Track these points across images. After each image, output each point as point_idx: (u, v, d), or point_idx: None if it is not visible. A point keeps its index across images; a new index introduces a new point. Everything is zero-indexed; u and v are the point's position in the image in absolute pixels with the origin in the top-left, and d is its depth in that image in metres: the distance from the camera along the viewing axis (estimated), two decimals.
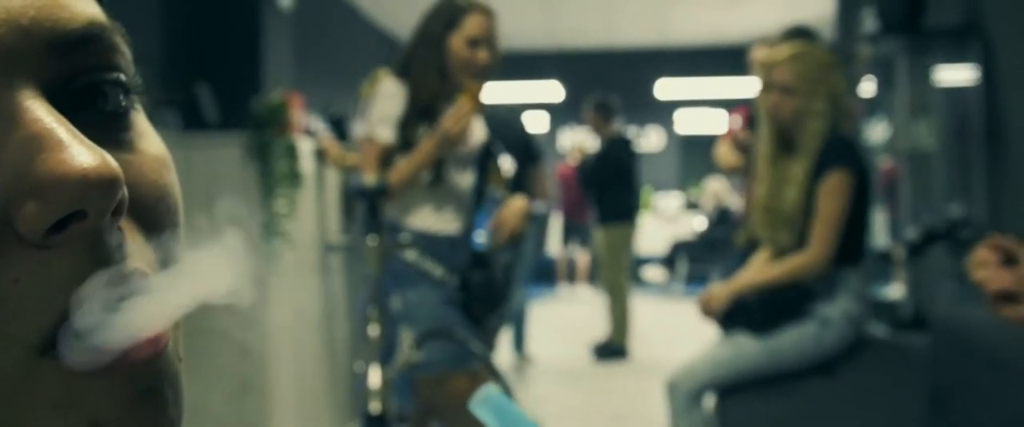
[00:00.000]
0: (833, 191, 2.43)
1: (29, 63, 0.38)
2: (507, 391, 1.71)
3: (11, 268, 0.36)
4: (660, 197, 11.06)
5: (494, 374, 2.05)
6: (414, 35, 2.57)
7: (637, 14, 9.74)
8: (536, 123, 11.15)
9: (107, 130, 0.40)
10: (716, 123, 10.67)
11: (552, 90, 11.19)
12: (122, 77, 0.42)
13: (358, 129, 2.58)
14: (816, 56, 2.56)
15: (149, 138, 0.43)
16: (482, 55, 2.48)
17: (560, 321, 7.86)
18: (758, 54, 3.54)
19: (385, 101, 2.46)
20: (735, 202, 8.24)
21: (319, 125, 3.80)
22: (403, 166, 2.38)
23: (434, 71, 2.48)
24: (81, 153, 0.36)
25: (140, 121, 0.43)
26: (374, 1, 8.20)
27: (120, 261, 0.37)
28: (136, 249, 0.39)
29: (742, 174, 4.11)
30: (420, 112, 2.45)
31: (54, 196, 0.35)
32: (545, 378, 5.47)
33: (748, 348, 2.52)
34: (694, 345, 3.18)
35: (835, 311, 2.48)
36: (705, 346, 2.66)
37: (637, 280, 9.34)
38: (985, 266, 1.44)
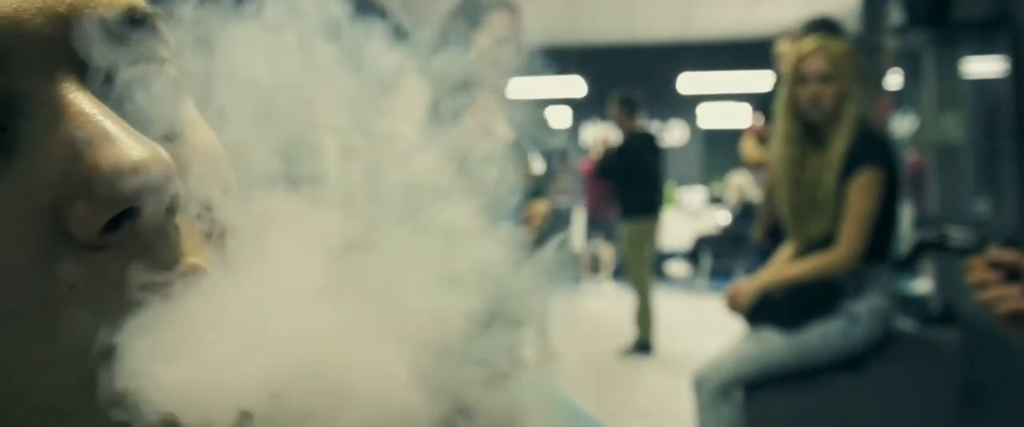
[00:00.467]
0: (865, 189, 2.41)
1: (70, 53, 0.36)
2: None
3: (65, 273, 0.34)
4: (683, 192, 11.01)
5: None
6: None
7: (659, 8, 9.70)
8: (559, 118, 11.13)
9: (151, 120, 0.38)
10: (740, 117, 10.61)
11: (575, 85, 11.16)
12: (168, 67, 0.39)
13: None
14: (844, 44, 2.55)
15: (198, 127, 0.41)
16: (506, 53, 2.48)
17: (584, 316, 7.85)
18: (783, 47, 3.52)
19: None
20: (759, 196, 8.20)
21: None
22: None
23: None
24: (131, 147, 0.33)
25: (188, 110, 0.41)
26: None
27: (177, 260, 0.35)
28: (192, 245, 0.37)
29: (766, 168, 4.09)
30: None
31: (106, 194, 0.33)
32: (569, 373, 5.46)
33: (775, 344, 2.50)
34: (720, 340, 3.17)
35: (863, 307, 2.46)
36: (731, 341, 2.65)
37: (660, 275, 9.31)
38: (988, 285, 1.37)
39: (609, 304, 8.56)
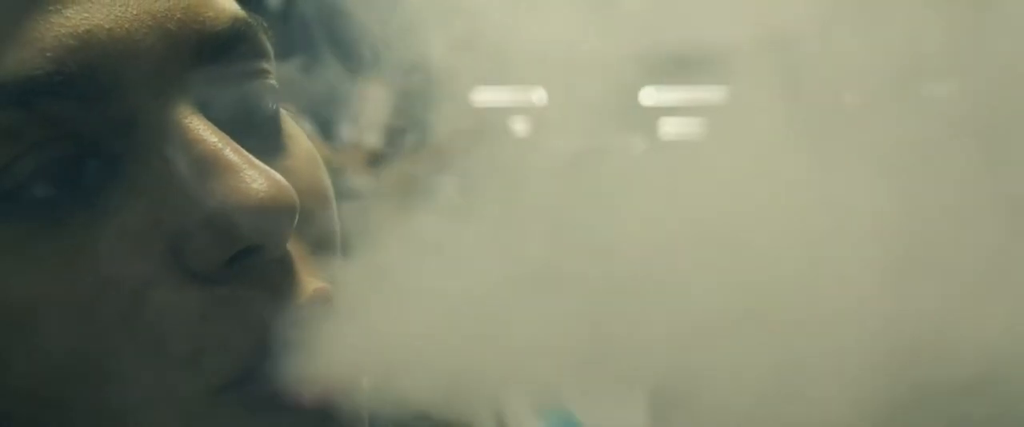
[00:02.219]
0: None
1: (182, 72, 0.34)
2: None
3: (191, 303, 0.32)
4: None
5: None
6: None
7: (623, 19, 9.79)
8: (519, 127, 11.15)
9: (262, 137, 0.36)
10: (702, 129, 10.70)
11: (534, 95, 11.19)
12: (272, 79, 0.38)
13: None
14: None
15: (298, 139, 0.39)
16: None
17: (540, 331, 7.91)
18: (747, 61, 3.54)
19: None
20: None
21: None
22: None
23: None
24: (255, 179, 0.32)
25: (287, 122, 0.39)
26: None
27: (297, 285, 0.34)
28: (304, 265, 0.35)
29: None
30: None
31: (230, 229, 0.31)
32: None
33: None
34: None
35: None
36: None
37: None
38: None
39: None
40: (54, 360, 0.32)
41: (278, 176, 0.33)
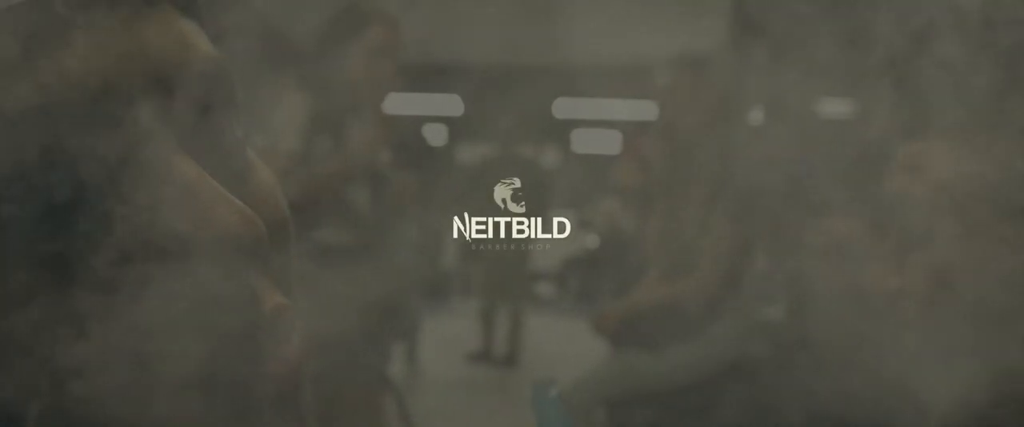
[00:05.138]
0: (727, 219, 2.50)
1: (165, 108, 0.35)
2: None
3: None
4: (553, 215, 11.11)
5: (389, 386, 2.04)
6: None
7: (538, 31, 9.81)
8: (435, 136, 11.10)
9: (227, 166, 0.38)
10: (612, 143, 10.82)
11: (452, 104, 11.16)
12: (238, 109, 0.40)
13: None
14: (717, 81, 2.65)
15: (258, 167, 0.41)
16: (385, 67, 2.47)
17: (447, 332, 7.85)
18: (661, 77, 3.61)
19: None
20: (630, 222, 8.36)
21: None
22: None
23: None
24: (231, 213, 0.34)
25: (248, 151, 0.41)
26: None
27: (261, 303, 0.36)
28: (263, 283, 0.37)
29: (641, 195, 4.18)
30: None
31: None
32: (434, 389, 5.44)
33: (641, 365, 2.56)
34: (587, 361, 3.22)
35: (724, 329, 2.54)
36: (598, 362, 2.70)
37: (529, 296, 9.38)
38: None
39: (470, 321, 8.58)
40: None
41: (249, 213, 0.35)
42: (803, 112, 4.11)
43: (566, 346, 7.25)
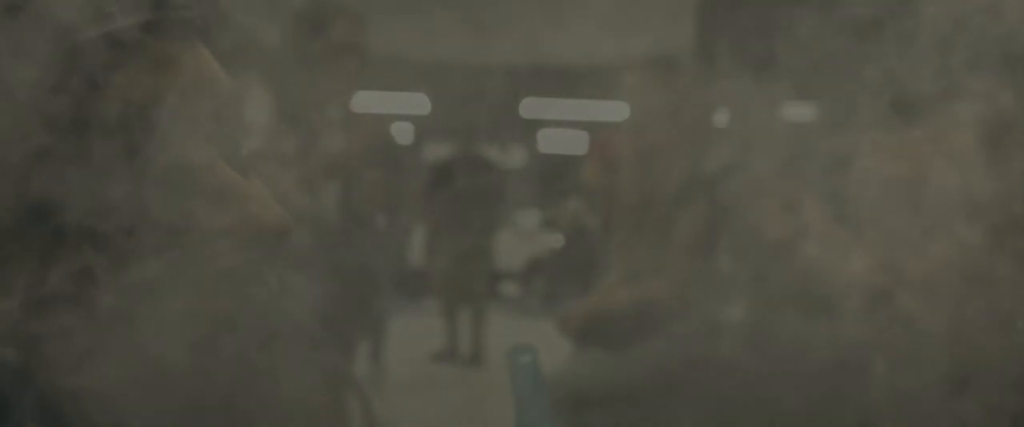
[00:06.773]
0: (693, 220, 2.52)
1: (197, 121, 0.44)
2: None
3: None
4: (519, 214, 11.16)
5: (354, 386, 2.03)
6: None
7: (507, 31, 9.82)
8: (402, 135, 11.08)
9: (239, 170, 0.47)
10: (580, 143, 10.85)
11: (419, 102, 11.14)
12: (244, 123, 0.46)
13: None
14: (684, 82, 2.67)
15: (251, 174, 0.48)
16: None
17: (412, 332, 7.85)
18: (628, 78, 3.62)
19: None
20: (595, 222, 8.38)
21: None
22: None
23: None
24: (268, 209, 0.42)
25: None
26: None
27: None
28: None
29: (605, 195, 4.19)
30: None
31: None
32: (397, 388, 5.43)
33: (604, 365, 2.56)
34: (548, 361, 3.22)
35: (688, 329, 2.55)
36: (560, 362, 2.70)
37: (493, 295, 9.39)
38: None
39: (435, 319, 8.58)
40: None
41: (281, 209, 0.44)
42: (768, 114, 4.14)
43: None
